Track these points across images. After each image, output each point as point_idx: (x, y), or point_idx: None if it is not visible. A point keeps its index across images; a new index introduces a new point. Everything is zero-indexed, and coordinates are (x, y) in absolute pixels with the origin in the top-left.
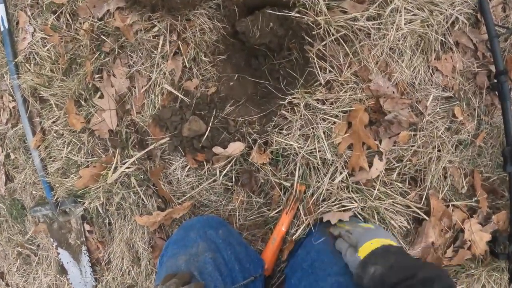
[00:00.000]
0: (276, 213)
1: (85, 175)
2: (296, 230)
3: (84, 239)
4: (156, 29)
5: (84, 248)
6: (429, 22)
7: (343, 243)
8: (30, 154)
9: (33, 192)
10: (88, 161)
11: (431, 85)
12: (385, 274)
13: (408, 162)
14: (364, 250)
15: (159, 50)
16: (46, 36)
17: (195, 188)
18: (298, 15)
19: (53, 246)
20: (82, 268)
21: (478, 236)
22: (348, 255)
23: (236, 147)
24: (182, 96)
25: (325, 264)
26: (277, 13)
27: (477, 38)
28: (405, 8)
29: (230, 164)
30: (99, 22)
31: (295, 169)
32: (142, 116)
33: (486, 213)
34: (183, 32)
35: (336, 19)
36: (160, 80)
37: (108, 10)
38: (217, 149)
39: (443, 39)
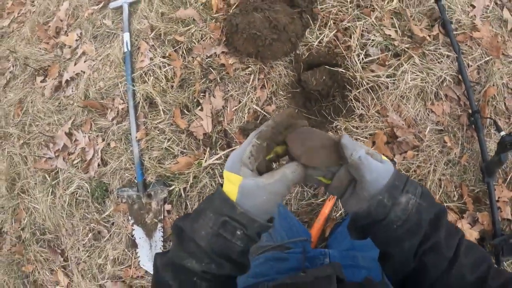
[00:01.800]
0: (321, 201)
1: (181, 161)
2: (336, 214)
3: (162, 217)
4: (249, 69)
5: (160, 225)
6: (427, 80)
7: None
8: (131, 145)
9: (124, 175)
10: (183, 153)
11: (428, 121)
12: (422, 207)
13: (413, 173)
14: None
15: (250, 83)
16: (166, 61)
17: None
18: (343, 71)
19: (129, 223)
20: (153, 243)
21: (468, 234)
22: (360, 153)
23: None
24: (264, 113)
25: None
26: (329, 68)
27: (459, 91)
28: (410, 71)
29: None
30: (208, 59)
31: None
32: (231, 126)
33: (472, 215)
34: (268, 74)
35: (367, 75)
36: (249, 103)
37: (215, 52)
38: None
39: (436, 91)
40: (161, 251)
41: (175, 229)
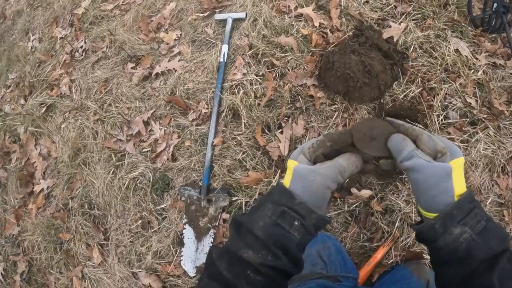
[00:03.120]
0: (375, 246)
1: (252, 176)
2: (387, 262)
3: (216, 224)
4: (335, 106)
5: (212, 231)
6: (497, 152)
7: (406, 140)
8: (205, 148)
9: (190, 175)
10: (255, 169)
11: (491, 192)
12: (475, 244)
13: None
14: (457, 176)
15: (332, 119)
16: (259, 79)
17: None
18: (422, 127)
19: (181, 222)
20: (200, 246)
21: None
22: (418, 154)
23: (366, 193)
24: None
25: None
26: (409, 122)
27: None
28: (484, 141)
29: (355, 204)
30: (298, 87)
31: (396, 220)
32: None
33: None
34: (351, 115)
35: (443, 136)
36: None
37: (306, 83)
38: (354, 190)
39: (504, 165)
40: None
41: (233, 223)
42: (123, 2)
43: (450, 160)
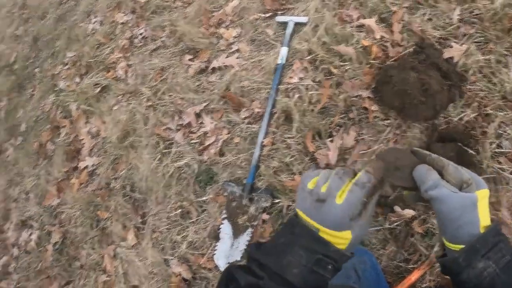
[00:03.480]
0: (411, 268)
1: (297, 180)
2: (420, 285)
3: (255, 224)
4: (388, 121)
5: (250, 230)
6: None
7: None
8: (253, 147)
9: (235, 172)
10: (301, 174)
11: None
12: (499, 279)
13: None
14: (483, 207)
15: (384, 134)
16: (315, 85)
17: None
18: (473, 153)
19: (220, 216)
20: (236, 243)
21: None
22: (442, 185)
23: (408, 213)
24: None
25: None
26: (461, 146)
27: None
28: None
29: (396, 223)
30: (353, 98)
31: (435, 244)
32: (353, 167)
33: None
34: (404, 132)
35: (493, 165)
36: (380, 149)
37: (361, 95)
38: (397, 208)
39: None
40: (239, 256)
41: (255, 262)
42: None
43: (476, 190)
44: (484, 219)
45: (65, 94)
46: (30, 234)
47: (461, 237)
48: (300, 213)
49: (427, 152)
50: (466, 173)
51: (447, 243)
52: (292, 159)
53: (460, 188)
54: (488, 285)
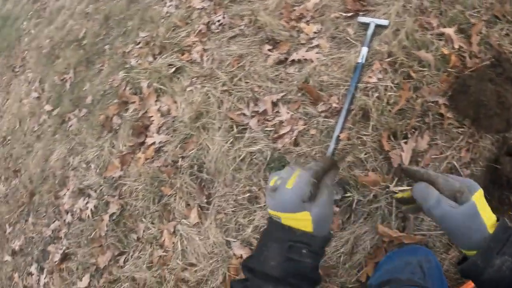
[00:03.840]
0: None
1: (371, 176)
2: None
3: None
4: (462, 129)
5: None
6: None
7: (429, 189)
8: (329, 140)
9: (308, 162)
10: (374, 171)
11: None
12: None
13: None
14: (483, 208)
15: (457, 141)
16: (394, 87)
17: (431, 230)
18: None
19: None
20: None
21: None
22: (443, 202)
23: None
24: (461, 172)
25: None
26: None
27: None
28: None
29: None
30: (429, 103)
31: None
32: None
33: None
34: (476, 142)
35: None
36: (450, 159)
37: (437, 101)
38: None
39: None
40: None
41: (245, 268)
42: None
43: (471, 195)
44: (489, 218)
45: (136, 72)
46: (87, 203)
47: (475, 244)
48: (269, 211)
49: (416, 168)
50: (456, 182)
51: (463, 251)
52: (366, 155)
53: (455, 198)
54: (509, 277)
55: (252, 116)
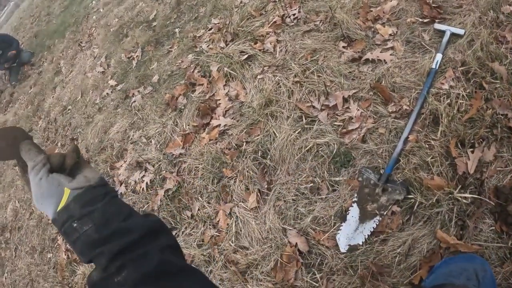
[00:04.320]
0: None
1: (436, 180)
2: None
3: (384, 213)
4: None
5: (377, 218)
6: None
7: None
8: (397, 140)
9: (374, 160)
10: (439, 175)
11: None
12: None
13: None
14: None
15: None
16: (465, 95)
17: (489, 242)
18: None
19: (351, 199)
20: (360, 228)
21: None
22: None
23: None
24: None
25: None
26: None
27: None
28: None
29: None
30: (499, 116)
31: None
32: (487, 181)
33: None
34: None
35: None
36: None
37: (506, 114)
38: None
39: None
40: (361, 240)
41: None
42: None
43: None
44: None
45: (206, 55)
46: (143, 176)
47: None
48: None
49: None
50: None
51: None
52: (433, 159)
53: None
54: None
55: (322, 109)
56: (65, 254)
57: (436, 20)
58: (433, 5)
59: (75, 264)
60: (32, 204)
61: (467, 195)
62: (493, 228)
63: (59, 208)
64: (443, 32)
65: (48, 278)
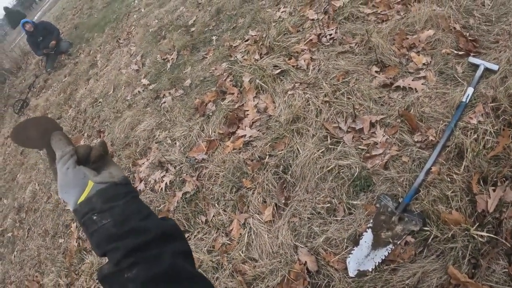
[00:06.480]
0: None
1: (454, 215)
2: None
3: (397, 243)
4: None
5: (390, 247)
6: None
7: None
8: (419, 171)
9: (393, 188)
10: (457, 210)
11: None
12: None
13: None
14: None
15: None
16: (494, 132)
17: (500, 284)
18: None
19: (366, 224)
20: (372, 254)
21: None
22: None
23: None
24: None
25: None
26: None
27: None
28: None
29: None
30: None
31: None
32: (506, 222)
33: None
34: None
35: None
36: None
37: None
38: None
39: None
40: (371, 267)
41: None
42: (381, 11)
43: None
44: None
45: (240, 65)
46: (163, 176)
47: None
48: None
49: None
50: None
51: None
52: (453, 194)
53: None
54: None
55: (348, 132)
56: (76, 242)
57: (471, 54)
58: (470, 38)
59: (84, 252)
60: (52, 189)
61: (484, 233)
62: (506, 270)
63: (81, 199)
64: (477, 66)
65: (56, 262)
